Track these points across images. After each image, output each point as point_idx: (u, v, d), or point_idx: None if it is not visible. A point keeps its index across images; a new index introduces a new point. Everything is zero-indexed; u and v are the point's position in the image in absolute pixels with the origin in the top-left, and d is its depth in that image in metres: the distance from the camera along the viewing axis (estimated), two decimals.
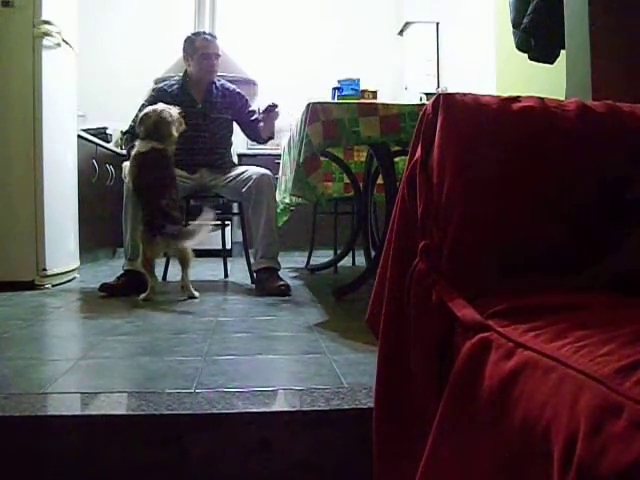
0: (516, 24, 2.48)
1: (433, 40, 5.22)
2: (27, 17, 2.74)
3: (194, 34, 3.08)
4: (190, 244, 2.47)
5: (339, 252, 3.73)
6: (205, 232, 2.50)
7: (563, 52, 2.10)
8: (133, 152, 2.61)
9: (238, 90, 3.15)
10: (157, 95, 3.01)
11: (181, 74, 3.15)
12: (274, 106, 2.95)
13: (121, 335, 1.78)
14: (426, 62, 5.21)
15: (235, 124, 3.17)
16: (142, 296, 2.46)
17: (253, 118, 3.09)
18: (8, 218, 2.77)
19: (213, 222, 2.66)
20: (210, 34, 3.11)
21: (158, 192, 2.49)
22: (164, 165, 2.56)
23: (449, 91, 0.91)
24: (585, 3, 1.67)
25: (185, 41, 3.05)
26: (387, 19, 5.76)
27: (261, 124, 3.04)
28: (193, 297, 2.53)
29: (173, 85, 3.06)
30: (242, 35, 5.55)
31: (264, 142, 3.22)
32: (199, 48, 2.99)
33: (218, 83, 3.10)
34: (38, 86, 2.78)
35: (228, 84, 3.15)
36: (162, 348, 1.63)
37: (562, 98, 1.01)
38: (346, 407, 1.12)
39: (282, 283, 2.70)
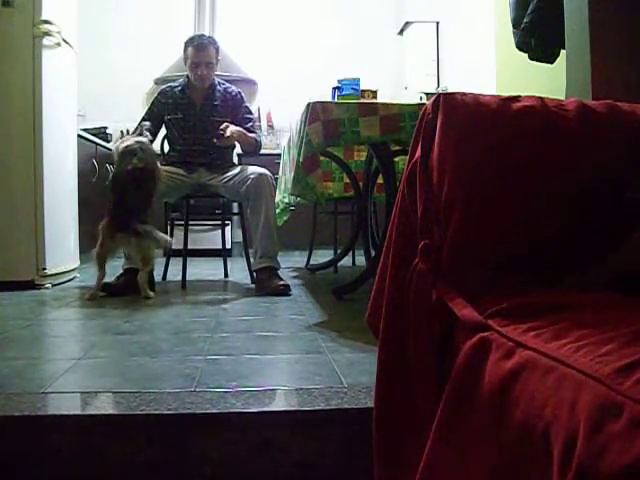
0: (516, 24, 2.47)
1: (433, 40, 5.22)
2: (27, 17, 2.74)
3: (189, 40, 3.03)
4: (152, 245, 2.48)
5: (339, 252, 3.73)
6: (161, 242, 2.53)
7: (563, 52, 2.10)
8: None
9: (241, 95, 3.12)
10: (160, 97, 3.07)
11: (182, 74, 3.15)
12: (222, 133, 2.83)
13: (121, 334, 1.78)
14: (426, 62, 5.20)
15: None
16: (86, 296, 2.50)
17: (247, 126, 3.04)
18: (8, 218, 2.77)
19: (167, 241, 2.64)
20: (204, 39, 3.04)
21: (133, 189, 2.49)
22: (147, 168, 2.56)
23: (449, 91, 0.91)
24: (585, 3, 1.66)
25: (183, 45, 3.05)
26: (387, 19, 5.75)
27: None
28: (148, 297, 2.51)
29: (176, 87, 3.07)
30: (242, 35, 5.54)
31: (247, 154, 3.17)
32: (189, 57, 2.98)
33: (221, 87, 3.09)
34: (38, 86, 2.78)
35: (232, 88, 3.13)
36: (162, 348, 1.63)
37: (562, 98, 1.01)
38: (346, 407, 1.12)
39: (282, 283, 2.70)
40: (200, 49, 2.95)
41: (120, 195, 2.51)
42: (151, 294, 2.54)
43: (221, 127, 2.84)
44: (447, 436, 0.71)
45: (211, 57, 2.98)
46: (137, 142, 2.62)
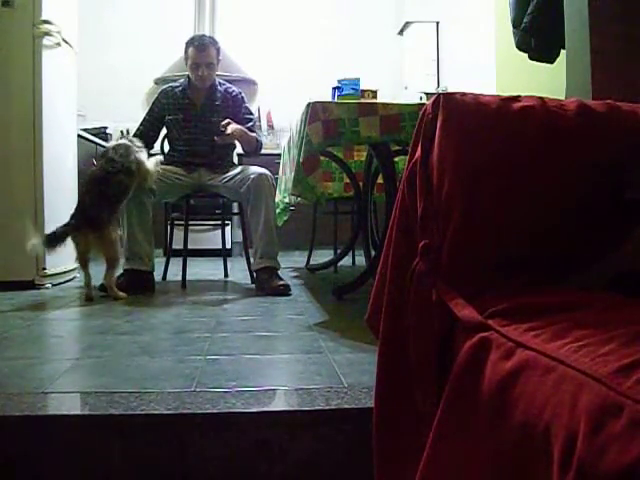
0: (516, 24, 2.48)
1: (433, 40, 5.22)
2: (27, 17, 2.74)
3: (190, 40, 3.02)
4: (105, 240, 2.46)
5: (339, 252, 3.73)
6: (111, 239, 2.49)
7: (563, 52, 2.10)
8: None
9: (242, 95, 3.11)
10: (161, 98, 3.08)
11: (182, 74, 3.15)
12: (222, 131, 2.83)
13: (121, 334, 1.78)
14: (426, 62, 5.20)
15: None
16: (83, 298, 2.48)
17: (247, 126, 3.02)
18: (8, 217, 2.77)
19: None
20: (205, 39, 3.02)
21: (93, 191, 2.50)
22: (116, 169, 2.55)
23: (449, 91, 0.91)
24: (585, 4, 1.67)
25: (184, 45, 3.04)
26: (387, 19, 5.76)
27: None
28: (118, 298, 2.49)
29: (176, 87, 3.07)
30: (242, 35, 5.54)
31: (248, 154, 3.15)
32: (189, 57, 2.98)
33: (221, 87, 3.09)
34: (38, 86, 2.78)
35: (232, 88, 3.13)
36: (162, 347, 1.63)
37: (562, 98, 1.01)
38: (346, 407, 1.12)
39: (282, 283, 2.70)
40: (201, 49, 2.95)
41: (82, 196, 2.52)
42: (121, 295, 2.51)
43: (222, 123, 2.84)
44: (447, 436, 0.71)
45: (212, 57, 2.97)
46: (116, 145, 2.64)
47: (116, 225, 2.54)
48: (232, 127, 2.84)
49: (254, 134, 3.02)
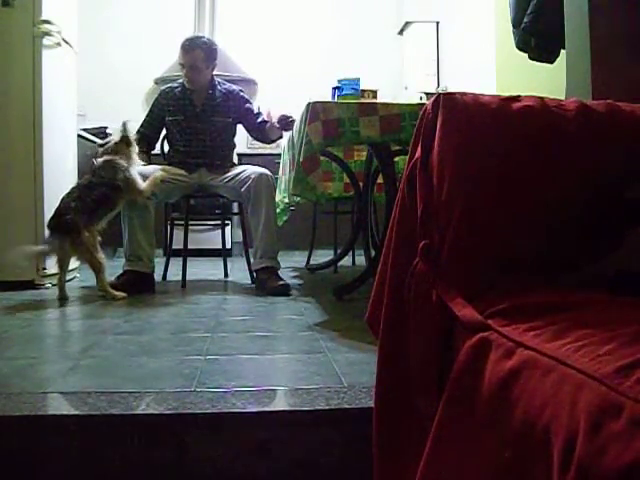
0: (516, 23, 2.48)
1: (433, 40, 5.22)
2: (27, 16, 2.74)
3: (183, 40, 3.00)
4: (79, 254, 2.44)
5: (339, 252, 3.73)
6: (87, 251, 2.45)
7: (563, 52, 2.10)
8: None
9: (242, 93, 3.11)
10: (160, 99, 3.08)
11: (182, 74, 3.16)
12: (288, 118, 2.84)
13: (121, 334, 1.78)
14: (426, 62, 5.20)
15: (240, 126, 3.16)
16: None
17: (260, 120, 3.05)
18: (8, 217, 2.77)
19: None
20: (194, 41, 2.98)
21: (71, 192, 2.50)
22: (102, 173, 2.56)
23: (449, 91, 0.91)
24: (585, 3, 1.67)
25: None
26: (387, 19, 5.76)
27: (268, 125, 3.00)
28: (116, 298, 2.47)
29: (176, 88, 3.06)
30: (242, 35, 5.54)
31: (271, 143, 3.21)
32: (179, 57, 2.98)
33: (222, 86, 3.08)
34: (38, 86, 2.78)
35: (232, 87, 3.13)
36: (162, 347, 1.63)
37: (562, 98, 1.01)
38: (346, 407, 1.12)
39: (282, 282, 2.70)
40: (186, 51, 2.93)
41: (62, 200, 2.50)
42: (119, 295, 2.50)
43: (289, 117, 2.81)
44: (447, 436, 0.71)
45: (195, 60, 2.92)
46: (104, 161, 2.63)
47: (94, 232, 2.50)
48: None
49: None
